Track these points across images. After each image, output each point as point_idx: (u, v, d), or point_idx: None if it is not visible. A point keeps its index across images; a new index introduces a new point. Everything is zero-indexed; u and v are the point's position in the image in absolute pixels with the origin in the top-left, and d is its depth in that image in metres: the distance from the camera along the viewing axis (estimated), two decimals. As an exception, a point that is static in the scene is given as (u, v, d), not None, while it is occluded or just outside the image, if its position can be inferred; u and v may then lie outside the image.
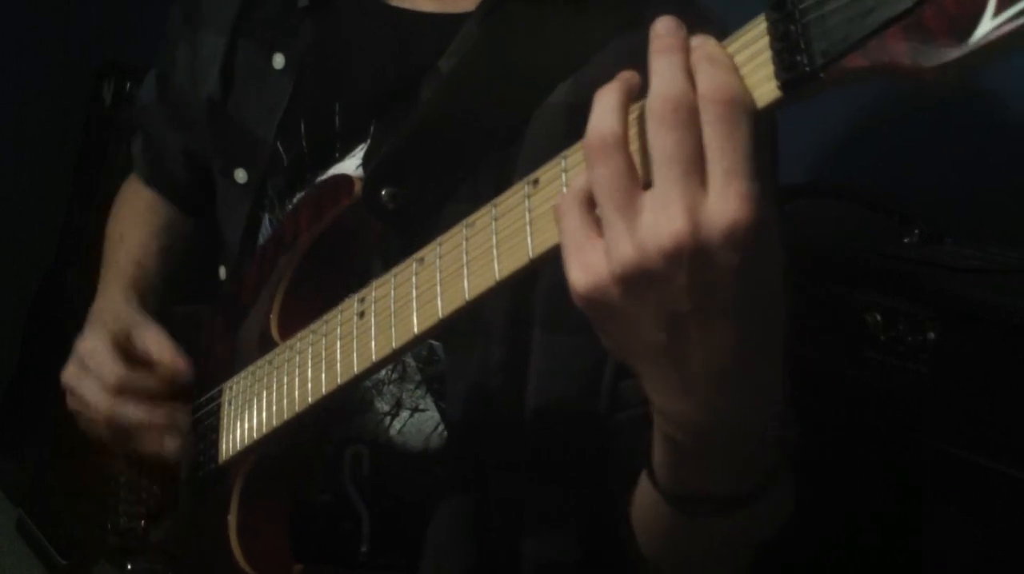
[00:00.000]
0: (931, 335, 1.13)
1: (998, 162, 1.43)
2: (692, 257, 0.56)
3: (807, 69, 0.54)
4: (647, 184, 0.58)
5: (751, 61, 0.58)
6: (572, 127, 0.93)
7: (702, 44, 0.59)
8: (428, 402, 0.99)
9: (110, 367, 1.06)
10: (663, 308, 0.59)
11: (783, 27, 0.55)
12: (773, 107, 0.57)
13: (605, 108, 0.60)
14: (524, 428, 0.96)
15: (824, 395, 1.20)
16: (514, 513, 0.97)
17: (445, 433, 0.98)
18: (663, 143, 0.57)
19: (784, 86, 0.56)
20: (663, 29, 0.60)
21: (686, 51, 0.59)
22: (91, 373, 1.07)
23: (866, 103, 1.52)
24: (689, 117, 0.57)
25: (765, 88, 0.57)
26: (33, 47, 2.91)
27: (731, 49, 0.59)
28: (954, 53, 0.50)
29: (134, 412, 1.05)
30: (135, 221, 1.29)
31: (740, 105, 0.56)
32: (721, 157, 0.56)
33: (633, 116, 0.61)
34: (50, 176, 2.90)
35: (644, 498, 0.78)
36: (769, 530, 0.79)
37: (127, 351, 1.09)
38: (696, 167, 0.56)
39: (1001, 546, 1.07)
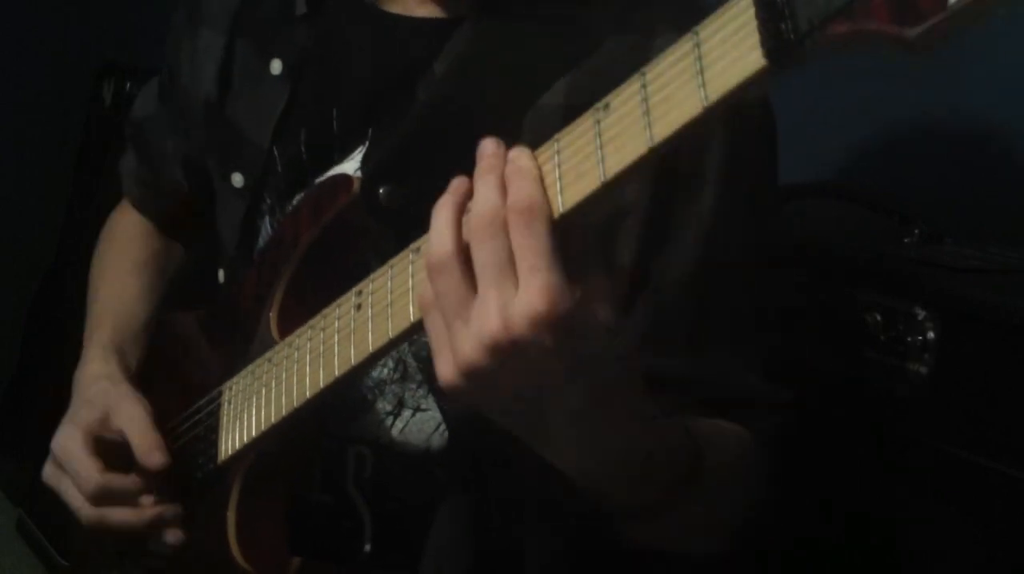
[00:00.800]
0: (931, 335, 1.13)
1: (998, 162, 1.43)
2: (510, 348, 0.65)
3: (791, 36, 0.56)
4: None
5: (737, 32, 0.59)
6: (567, 126, 0.93)
7: (516, 158, 0.68)
8: (430, 402, 0.99)
9: (86, 473, 1.03)
10: (506, 386, 0.69)
11: None
12: (760, 76, 0.58)
13: (440, 226, 0.69)
14: None
15: (824, 395, 1.20)
16: (516, 512, 0.97)
17: (446, 433, 0.98)
18: (479, 253, 0.67)
19: (769, 54, 0.57)
20: (485, 150, 0.70)
21: (501, 169, 0.68)
22: (68, 477, 1.05)
23: (866, 103, 1.52)
24: (500, 228, 0.66)
25: (751, 57, 0.58)
26: (33, 47, 2.91)
27: (720, 22, 0.60)
28: (937, 15, 0.50)
29: (120, 518, 1.03)
30: (120, 255, 1.28)
31: (537, 211, 0.65)
32: (523, 256, 0.65)
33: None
34: (50, 176, 2.89)
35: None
36: (709, 532, 0.90)
37: (101, 442, 1.05)
38: (508, 271, 0.66)
39: (1001, 546, 1.07)
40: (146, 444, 1.03)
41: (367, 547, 1.00)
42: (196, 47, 1.15)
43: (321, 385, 0.87)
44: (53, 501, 1.19)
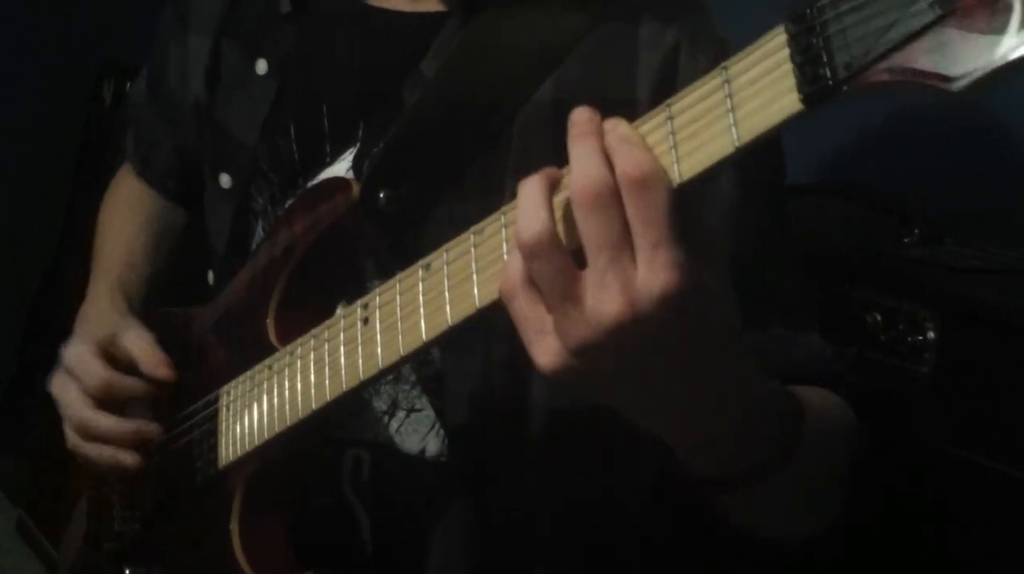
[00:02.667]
0: (931, 335, 1.13)
1: (998, 162, 1.43)
2: (636, 329, 0.61)
3: (830, 83, 0.55)
4: (583, 260, 0.63)
5: (771, 72, 0.58)
6: (557, 123, 0.93)
7: (614, 127, 0.63)
8: (424, 402, 0.98)
9: (93, 372, 1.06)
10: (622, 369, 0.65)
11: (804, 40, 0.56)
12: (793, 119, 0.57)
13: (531, 202, 0.64)
14: (529, 426, 0.95)
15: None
16: (519, 509, 0.97)
17: (442, 432, 0.98)
18: (589, 228, 0.61)
19: (806, 99, 0.56)
20: (578, 117, 0.64)
21: (600, 135, 0.63)
22: (75, 380, 1.07)
23: (867, 104, 1.52)
24: (610, 199, 0.61)
25: (786, 100, 0.57)
26: (33, 47, 2.91)
27: (750, 60, 0.59)
28: (980, 69, 0.50)
29: (103, 421, 1.05)
30: (125, 212, 1.29)
31: (656, 180, 0.60)
32: (644, 232, 0.60)
33: (560, 198, 0.65)
34: (50, 176, 2.90)
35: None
36: (814, 488, 0.84)
37: (112, 356, 1.08)
38: (624, 245, 0.61)
39: (1001, 546, 1.07)
40: (153, 359, 1.07)
41: (369, 550, 1.00)
42: (184, 51, 1.15)
43: (329, 398, 0.86)
44: (53, 500, 1.19)
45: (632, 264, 0.61)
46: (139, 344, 1.08)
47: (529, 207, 0.64)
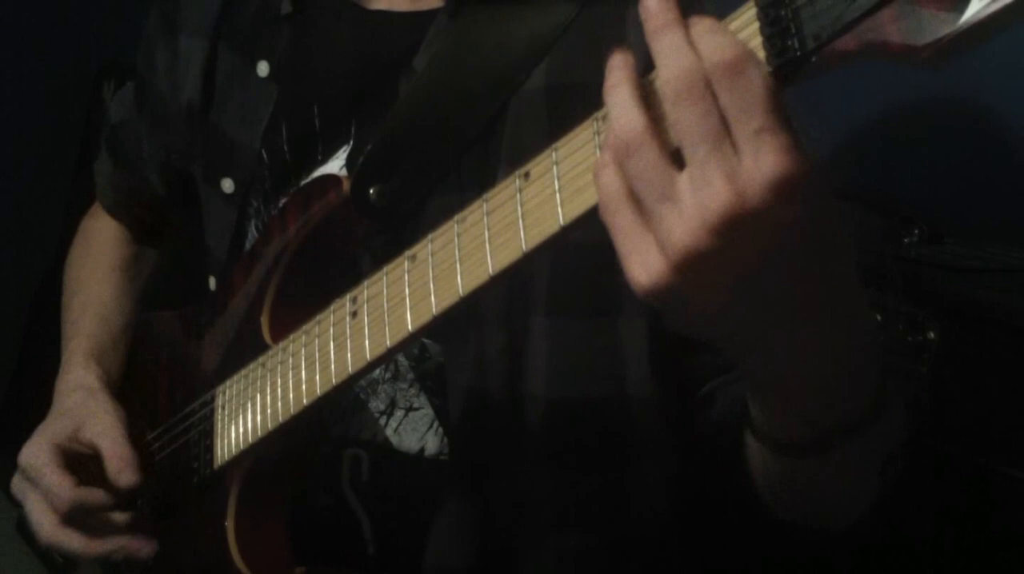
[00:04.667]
0: (931, 335, 1.13)
1: (998, 162, 1.44)
2: (745, 224, 0.56)
3: (798, 53, 0.55)
4: (680, 161, 0.58)
5: None
6: (551, 109, 0.94)
7: (698, 21, 0.59)
8: (422, 400, 0.98)
9: (59, 488, 0.99)
10: (729, 278, 0.59)
11: (773, 12, 0.56)
12: None
13: (621, 103, 0.60)
14: (529, 419, 0.95)
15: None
16: (519, 506, 0.97)
17: (441, 430, 0.98)
18: (686, 121, 0.57)
19: (776, 71, 0.56)
20: (654, 7, 0.60)
21: (682, 24, 0.59)
22: (38, 490, 1.01)
23: (866, 103, 1.52)
24: (704, 89, 0.56)
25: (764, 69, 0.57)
26: (33, 47, 2.91)
27: None
28: (947, 32, 0.50)
29: (77, 543, 1.01)
30: (93, 262, 1.26)
31: (750, 63, 0.56)
32: (746, 119, 0.56)
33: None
34: (50, 176, 2.89)
35: (755, 456, 0.79)
36: (885, 454, 0.79)
37: (74, 456, 1.02)
38: (723, 135, 0.56)
39: (1001, 546, 1.08)
40: (118, 462, 1.00)
41: (370, 550, 1.00)
42: (175, 54, 1.13)
43: (319, 392, 0.86)
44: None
45: (735, 155, 0.56)
46: (104, 442, 1.02)
47: (617, 105, 0.60)
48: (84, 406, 1.07)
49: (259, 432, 0.93)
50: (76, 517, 1.00)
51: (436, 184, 0.94)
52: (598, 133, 0.64)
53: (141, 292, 1.26)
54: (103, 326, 1.18)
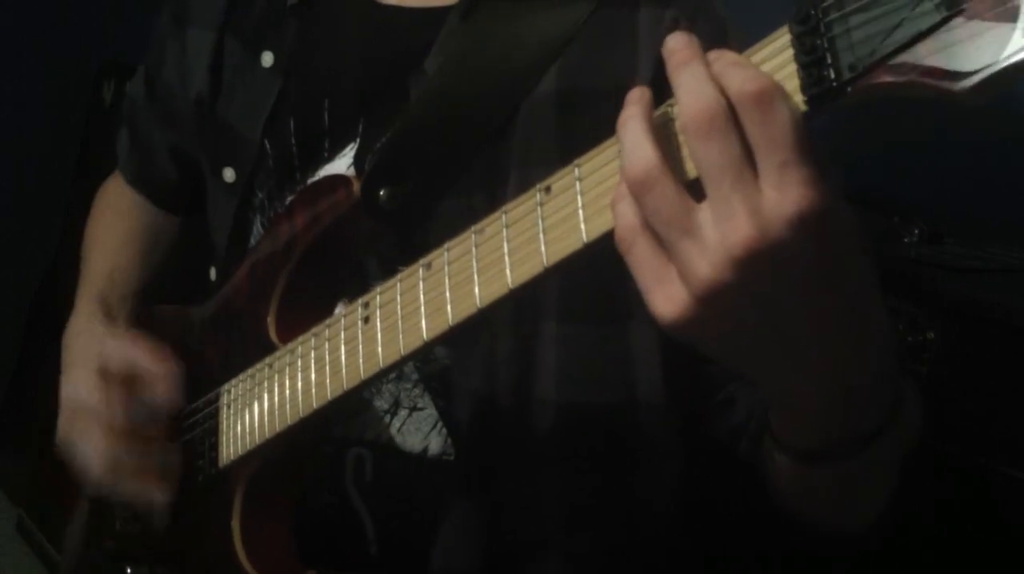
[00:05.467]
0: (931, 335, 1.13)
1: (998, 162, 1.44)
2: (770, 258, 0.56)
3: (834, 84, 0.54)
4: (698, 194, 0.58)
5: (776, 73, 0.57)
6: (561, 114, 0.94)
7: (720, 55, 0.59)
8: (426, 400, 0.98)
9: (106, 408, 1.01)
10: (752, 309, 0.59)
11: (809, 41, 0.55)
12: None
13: (634, 138, 0.60)
14: (536, 422, 0.95)
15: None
16: (526, 508, 0.97)
17: (444, 431, 0.98)
18: (708, 156, 0.57)
19: (810, 100, 0.55)
20: (676, 43, 0.60)
21: (704, 60, 0.59)
22: (89, 420, 1.02)
23: (867, 103, 1.52)
24: (727, 123, 0.56)
25: (791, 102, 0.56)
26: (33, 47, 2.91)
27: (755, 60, 0.58)
28: (985, 71, 0.50)
29: (133, 466, 1.01)
30: (111, 225, 1.27)
31: (776, 95, 0.56)
32: (771, 151, 0.56)
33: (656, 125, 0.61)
34: (50, 176, 2.90)
35: (773, 461, 0.78)
36: (901, 455, 0.79)
37: (110, 377, 1.04)
38: (746, 169, 0.56)
39: (1002, 546, 1.08)
40: (150, 360, 1.03)
41: (373, 550, 1.00)
42: (184, 47, 1.15)
43: (329, 397, 0.86)
44: (53, 500, 1.18)
45: (757, 189, 0.56)
46: (130, 352, 1.04)
47: (631, 142, 0.60)
48: (96, 339, 1.09)
49: (265, 433, 0.93)
50: (130, 446, 1.01)
51: (446, 188, 0.94)
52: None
53: (159, 261, 1.27)
54: (116, 283, 1.19)
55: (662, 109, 0.62)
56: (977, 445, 1.08)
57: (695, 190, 0.58)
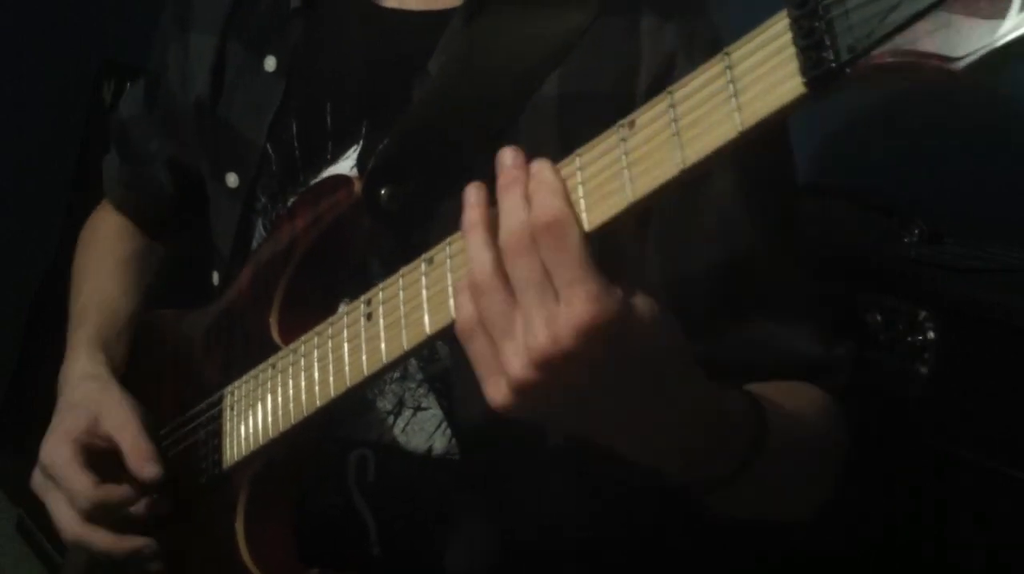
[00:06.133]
0: (931, 335, 1.13)
1: (998, 162, 1.43)
2: (561, 361, 0.65)
3: (833, 65, 0.55)
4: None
5: (775, 56, 0.58)
6: (563, 118, 0.94)
7: (537, 171, 0.67)
8: (431, 400, 0.98)
9: (80, 487, 1.00)
10: (561, 400, 0.68)
11: (807, 23, 0.56)
12: (798, 103, 0.57)
13: (475, 246, 0.69)
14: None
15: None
16: (531, 506, 0.97)
17: (448, 431, 0.98)
18: (515, 270, 0.66)
19: (810, 82, 0.56)
20: (507, 161, 0.69)
21: (524, 183, 0.67)
22: (61, 489, 1.01)
23: (866, 103, 1.52)
24: (530, 244, 0.66)
25: (790, 84, 0.57)
26: (33, 47, 2.91)
27: (752, 45, 0.59)
28: (982, 50, 0.50)
29: (102, 541, 1.01)
30: (101, 255, 1.25)
31: (564, 223, 0.65)
32: (558, 272, 0.65)
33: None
34: (50, 176, 2.90)
35: None
36: (805, 470, 0.89)
37: (92, 451, 1.02)
38: (545, 283, 0.65)
39: (1002, 546, 1.08)
40: (139, 455, 1.00)
41: (375, 550, 1.00)
42: (187, 51, 1.14)
43: (333, 395, 0.86)
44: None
45: (555, 302, 0.65)
46: (123, 435, 1.01)
47: (472, 249, 0.69)
48: (97, 398, 1.05)
49: (270, 434, 0.93)
50: (99, 515, 1.00)
51: (447, 189, 0.94)
52: (624, 140, 0.65)
53: (148, 288, 1.25)
54: (110, 317, 1.17)
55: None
56: (977, 445, 1.08)
57: None
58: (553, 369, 0.65)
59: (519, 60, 0.95)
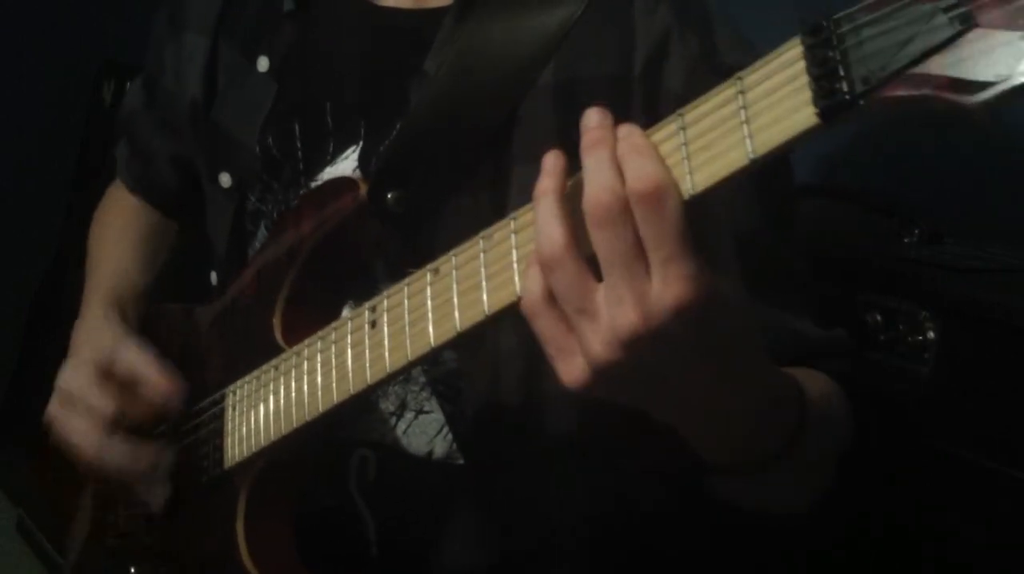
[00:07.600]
0: (931, 335, 1.13)
1: (998, 162, 1.44)
2: (652, 342, 0.62)
3: (847, 97, 0.54)
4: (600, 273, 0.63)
5: (787, 85, 0.57)
6: (560, 106, 0.94)
7: (627, 135, 0.63)
8: (433, 404, 0.98)
9: (99, 402, 1.01)
10: (642, 381, 0.65)
11: (820, 53, 0.55)
12: (811, 133, 0.57)
13: (546, 217, 0.64)
14: (545, 420, 0.95)
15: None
16: (535, 507, 0.97)
17: (450, 435, 0.98)
18: (603, 242, 0.61)
19: (823, 113, 0.55)
20: (592, 121, 0.64)
21: (611, 145, 0.63)
22: (78, 409, 1.02)
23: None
24: (622, 213, 0.61)
25: (802, 114, 0.56)
26: (33, 47, 2.92)
27: (765, 71, 0.58)
28: (999, 85, 0.50)
29: (121, 454, 1.01)
30: (117, 229, 1.26)
31: (667, 193, 0.60)
32: (656, 246, 0.60)
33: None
34: (50, 176, 2.90)
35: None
36: (829, 456, 0.88)
37: (111, 377, 1.03)
38: (637, 257, 0.61)
39: (1002, 546, 1.08)
40: (158, 377, 1.01)
41: (374, 552, 1.00)
42: (180, 52, 1.15)
43: (336, 400, 0.86)
44: (53, 500, 1.18)
45: (646, 277, 0.61)
46: (141, 362, 1.02)
47: (543, 219, 0.64)
48: (113, 334, 1.07)
49: (272, 435, 0.92)
50: (115, 434, 1.00)
51: (452, 188, 0.94)
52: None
53: (162, 266, 1.26)
54: (125, 286, 1.18)
55: (577, 177, 0.65)
56: (977, 445, 1.08)
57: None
58: (639, 349, 0.62)
59: (513, 53, 0.95)
